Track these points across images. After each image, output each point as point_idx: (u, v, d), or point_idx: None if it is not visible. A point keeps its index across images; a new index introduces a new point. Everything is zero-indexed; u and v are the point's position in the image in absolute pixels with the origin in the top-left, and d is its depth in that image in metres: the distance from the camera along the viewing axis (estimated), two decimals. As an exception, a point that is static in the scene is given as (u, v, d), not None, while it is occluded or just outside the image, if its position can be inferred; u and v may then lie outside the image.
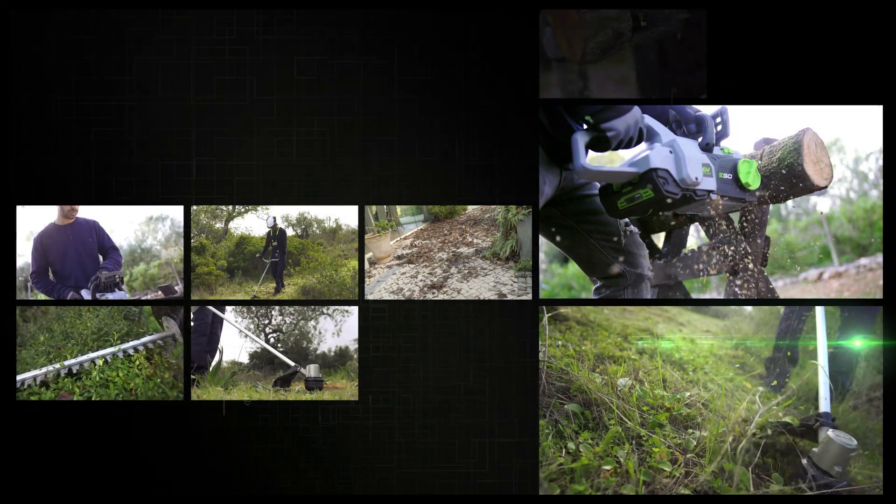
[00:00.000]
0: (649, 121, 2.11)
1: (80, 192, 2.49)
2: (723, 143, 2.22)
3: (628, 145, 2.11)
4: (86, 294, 2.49)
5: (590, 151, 2.14)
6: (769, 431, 2.10)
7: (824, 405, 2.05)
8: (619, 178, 2.11)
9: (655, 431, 2.07)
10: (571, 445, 2.05)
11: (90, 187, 2.49)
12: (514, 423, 2.40)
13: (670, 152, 2.05)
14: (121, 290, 2.49)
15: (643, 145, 2.11)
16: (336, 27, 2.52)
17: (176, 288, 2.49)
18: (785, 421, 2.15)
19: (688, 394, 2.24)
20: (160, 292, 2.52)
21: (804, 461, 2.00)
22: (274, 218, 2.57)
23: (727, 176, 2.13)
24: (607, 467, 1.96)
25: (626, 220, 2.34)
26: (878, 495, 2.23)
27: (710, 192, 2.08)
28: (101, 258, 2.57)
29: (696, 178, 2.04)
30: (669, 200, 2.05)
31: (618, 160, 2.28)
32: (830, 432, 1.97)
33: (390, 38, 2.51)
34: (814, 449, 2.04)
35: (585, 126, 2.08)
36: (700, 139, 2.14)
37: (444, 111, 2.49)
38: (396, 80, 2.51)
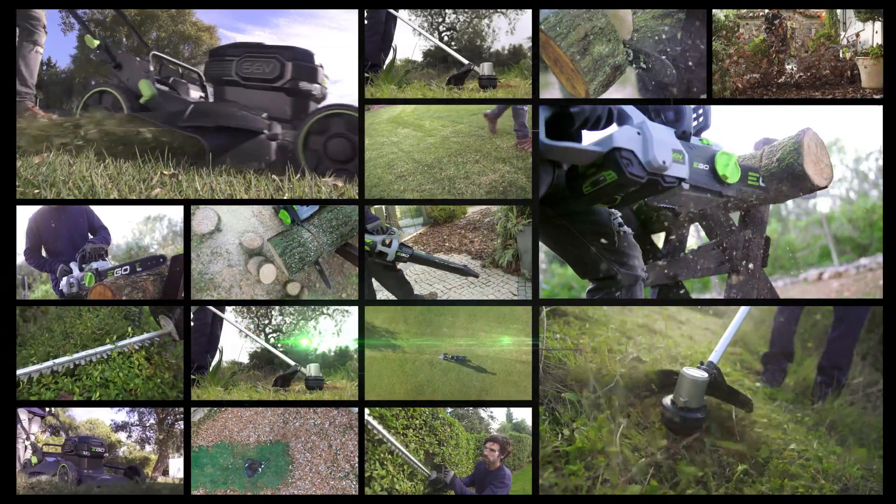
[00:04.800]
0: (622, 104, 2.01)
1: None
2: (703, 134, 2.13)
3: (595, 126, 1.99)
4: (74, 266, 2.56)
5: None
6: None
7: (714, 357, 2.20)
8: (582, 158, 1.97)
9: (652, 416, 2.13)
10: (566, 431, 2.08)
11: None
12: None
13: (638, 133, 1.94)
14: (105, 260, 2.60)
15: (614, 127, 2.00)
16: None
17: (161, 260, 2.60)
18: (667, 370, 2.31)
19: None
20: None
21: (665, 401, 2.16)
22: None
23: (703, 166, 2.03)
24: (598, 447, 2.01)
25: (620, 220, 2.29)
26: (877, 495, 2.22)
27: (681, 179, 1.96)
28: (91, 237, 2.70)
29: (664, 163, 1.91)
30: (635, 186, 1.93)
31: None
32: (683, 369, 2.14)
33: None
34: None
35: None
36: (677, 127, 2.03)
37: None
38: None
